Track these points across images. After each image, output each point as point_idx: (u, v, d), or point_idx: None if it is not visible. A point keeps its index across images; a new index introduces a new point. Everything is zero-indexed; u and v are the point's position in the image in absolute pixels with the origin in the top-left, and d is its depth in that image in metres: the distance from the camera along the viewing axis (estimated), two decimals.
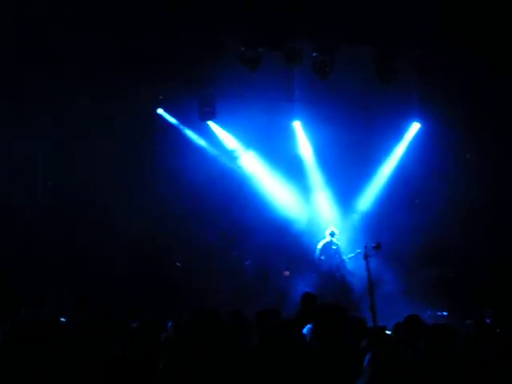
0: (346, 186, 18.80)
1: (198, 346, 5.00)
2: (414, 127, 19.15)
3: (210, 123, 18.54)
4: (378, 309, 14.01)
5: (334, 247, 17.44)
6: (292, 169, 19.19)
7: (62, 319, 8.07)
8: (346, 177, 18.62)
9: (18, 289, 14.63)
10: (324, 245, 17.53)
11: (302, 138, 19.31)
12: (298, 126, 19.18)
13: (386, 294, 15.93)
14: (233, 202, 17.95)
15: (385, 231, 16.78)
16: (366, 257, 14.71)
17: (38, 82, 15.23)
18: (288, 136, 19.10)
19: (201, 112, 17.89)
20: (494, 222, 17.47)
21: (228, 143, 18.96)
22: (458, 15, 14.16)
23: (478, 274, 16.74)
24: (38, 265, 15.76)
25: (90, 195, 16.61)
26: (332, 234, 17.56)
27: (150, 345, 5.67)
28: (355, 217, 18.90)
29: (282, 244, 18.28)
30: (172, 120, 18.44)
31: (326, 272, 17.13)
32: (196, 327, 5.19)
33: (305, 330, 6.95)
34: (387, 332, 7.45)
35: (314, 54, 15.28)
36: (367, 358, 5.22)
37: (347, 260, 17.20)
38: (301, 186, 19.32)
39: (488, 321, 12.30)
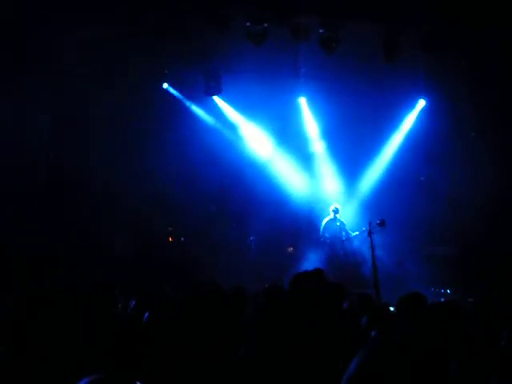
0: (351, 162, 18.80)
1: (195, 322, 5.01)
2: (420, 104, 19.12)
3: (215, 98, 18.52)
4: (382, 285, 14.07)
5: (337, 224, 17.44)
6: (297, 145, 19.18)
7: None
8: (351, 153, 18.62)
9: (15, 264, 14.60)
10: (328, 222, 17.53)
11: (308, 115, 19.28)
12: (303, 102, 19.16)
13: (391, 272, 16.02)
14: (237, 177, 17.93)
15: (390, 208, 16.78)
16: (370, 233, 14.75)
17: (41, 54, 15.16)
18: (293, 112, 19.08)
19: (206, 87, 17.89)
20: (500, 200, 17.40)
21: (232, 118, 18.98)
22: None
23: (484, 253, 16.71)
24: (38, 240, 15.72)
25: (91, 169, 16.60)
26: (336, 211, 17.54)
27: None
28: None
29: (287, 220, 18.30)
30: (177, 94, 18.41)
31: (330, 249, 17.14)
32: (195, 303, 5.19)
33: None
34: (390, 309, 7.46)
35: (321, 30, 15.19)
36: (372, 335, 5.24)
37: (352, 237, 17.20)
38: (306, 163, 19.32)
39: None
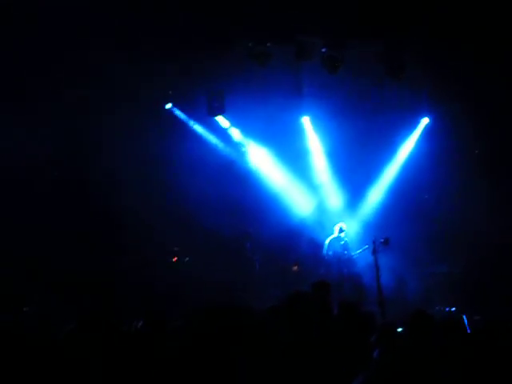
0: (355, 181, 18.81)
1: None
2: (423, 122, 19.14)
3: (219, 118, 18.58)
4: (387, 304, 14.03)
5: (341, 243, 17.42)
6: (301, 164, 19.21)
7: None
8: (355, 172, 18.63)
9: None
10: (332, 240, 17.51)
11: (311, 134, 19.32)
12: (306, 121, 19.21)
13: (395, 289, 15.98)
14: (242, 197, 17.92)
15: (394, 226, 16.74)
16: (374, 252, 14.72)
17: (43, 78, 15.26)
18: (297, 132, 19.12)
19: (209, 107, 17.93)
20: (504, 216, 17.31)
21: (236, 138, 19.06)
22: (464, 12, 14.14)
23: (488, 270, 16.64)
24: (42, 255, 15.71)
25: (99, 189, 16.63)
26: (341, 230, 17.53)
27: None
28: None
29: (291, 239, 18.28)
30: (181, 115, 18.47)
31: (334, 267, 17.11)
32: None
33: None
34: (396, 328, 7.44)
35: (324, 50, 15.25)
36: (375, 353, 5.25)
37: (355, 256, 17.17)
38: (310, 182, 19.34)
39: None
